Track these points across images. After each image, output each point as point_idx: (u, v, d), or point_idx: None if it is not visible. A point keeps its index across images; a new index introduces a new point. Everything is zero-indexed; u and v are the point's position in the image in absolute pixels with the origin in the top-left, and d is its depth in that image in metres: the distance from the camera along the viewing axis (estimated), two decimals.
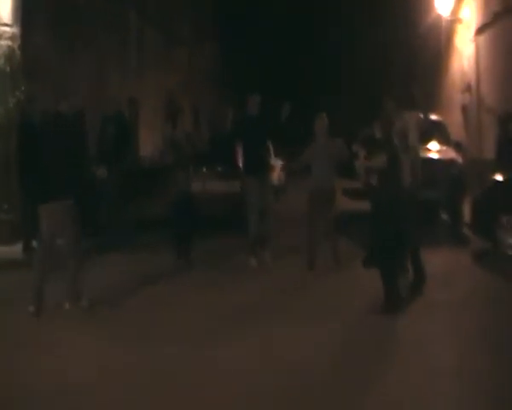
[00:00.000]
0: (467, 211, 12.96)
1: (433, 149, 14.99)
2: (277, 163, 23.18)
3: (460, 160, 14.48)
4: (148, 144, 20.03)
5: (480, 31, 19.88)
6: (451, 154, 14.66)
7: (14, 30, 13.02)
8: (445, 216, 14.53)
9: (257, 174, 10.97)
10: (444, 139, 15.48)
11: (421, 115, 10.82)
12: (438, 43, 23.76)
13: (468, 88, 21.13)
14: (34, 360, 6.51)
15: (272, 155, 22.39)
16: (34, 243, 11.90)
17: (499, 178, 12.01)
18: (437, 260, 10.87)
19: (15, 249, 11.81)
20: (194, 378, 5.94)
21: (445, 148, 15.03)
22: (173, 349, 6.70)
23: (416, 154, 9.36)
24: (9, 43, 12.91)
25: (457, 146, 15.27)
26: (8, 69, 12.88)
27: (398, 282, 8.25)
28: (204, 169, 14.57)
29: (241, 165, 12.67)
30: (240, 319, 7.82)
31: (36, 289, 8.18)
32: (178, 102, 27.06)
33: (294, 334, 7.21)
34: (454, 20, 22.03)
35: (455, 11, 21.75)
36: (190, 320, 7.81)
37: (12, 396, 5.62)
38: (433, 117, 16.99)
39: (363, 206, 15.04)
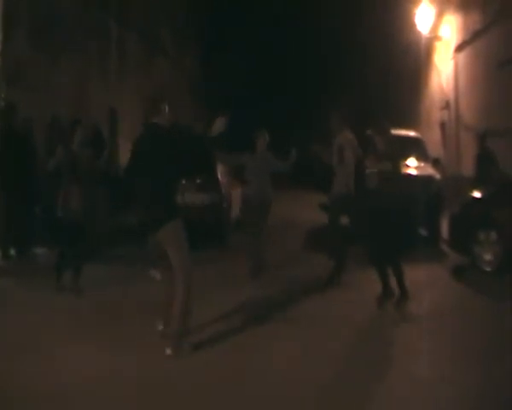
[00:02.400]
0: (445, 227, 13.03)
1: (412, 166, 15.10)
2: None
3: (438, 176, 14.59)
4: (128, 154, 19.96)
5: (459, 48, 20.09)
6: (430, 170, 14.77)
7: None
8: (423, 232, 14.61)
9: None
10: (422, 156, 15.59)
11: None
12: (417, 61, 23.96)
13: (446, 105, 21.32)
14: (29, 366, 6.46)
15: None
16: (12, 251, 11.87)
17: (477, 194, 12.13)
18: (415, 275, 10.91)
19: None
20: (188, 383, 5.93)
21: (423, 164, 15.14)
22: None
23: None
24: None
25: (436, 162, 15.40)
26: None
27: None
28: (183, 181, 14.50)
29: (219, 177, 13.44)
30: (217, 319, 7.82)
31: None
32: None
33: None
34: (433, 38, 22.24)
35: (434, 29, 21.97)
36: None
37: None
38: (412, 134, 17.17)
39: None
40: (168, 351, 6.84)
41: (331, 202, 10.68)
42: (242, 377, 6.25)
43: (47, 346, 7.09)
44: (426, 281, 10.53)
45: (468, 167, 16.47)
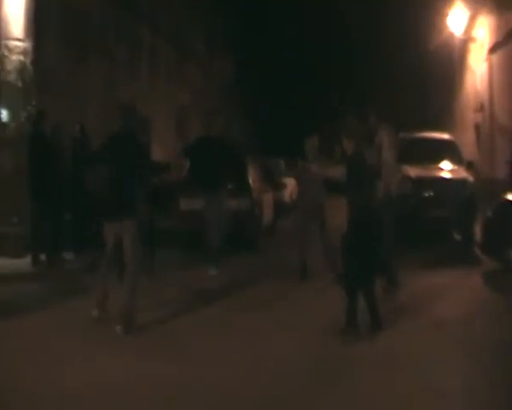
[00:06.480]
0: (478, 231, 12.85)
1: (445, 169, 14.97)
2: (289, 181, 23.22)
3: (472, 179, 14.41)
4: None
5: (493, 49, 19.88)
6: (463, 173, 14.61)
7: (26, 44, 13.09)
8: (456, 235, 14.44)
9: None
10: (456, 158, 15.45)
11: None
12: (451, 62, 23.76)
13: (480, 107, 21.10)
14: (42, 369, 6.47)
15: (283, 173, 22.50)
16: (43, 257, 11.97)
17: (511, 197, 11.94)
18: (447, 280, 10.82)
19: (25, 262, 11.83)
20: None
21: (456, 167, 15.00)
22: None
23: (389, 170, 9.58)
24: (21, 57, 12.98)
25: (469, 165, 15.22)
26: (19, 84, 12.95)
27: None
28: None
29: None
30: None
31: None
32: (189, 118, 27.09)
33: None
34: (467, 39, 22.06)
35: (468, 30, 21.78)
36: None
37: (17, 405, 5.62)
38: (445, 136, 17.03)
39: None
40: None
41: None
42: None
43: (79, 352, 7.11)
44: (458, 285, 10.40)
45: (502, 170, 16.25)
